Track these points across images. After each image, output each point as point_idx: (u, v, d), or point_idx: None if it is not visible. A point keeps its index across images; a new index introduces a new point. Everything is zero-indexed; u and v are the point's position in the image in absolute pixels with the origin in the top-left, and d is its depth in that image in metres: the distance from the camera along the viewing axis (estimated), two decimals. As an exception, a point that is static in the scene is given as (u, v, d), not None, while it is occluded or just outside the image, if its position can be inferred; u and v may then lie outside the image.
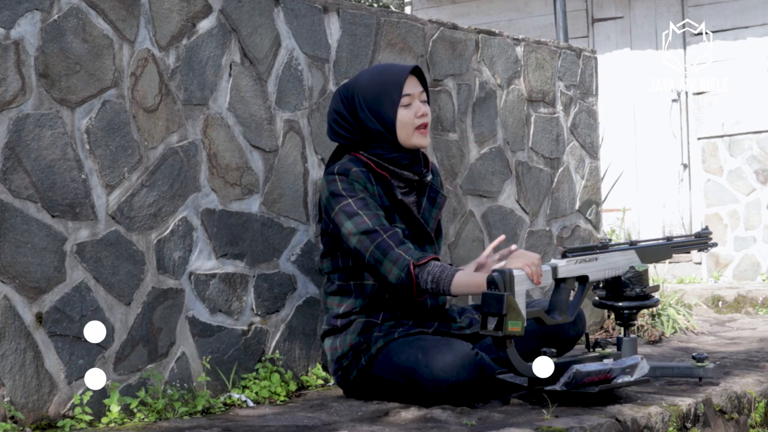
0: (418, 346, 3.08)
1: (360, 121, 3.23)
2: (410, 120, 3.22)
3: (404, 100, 3.21)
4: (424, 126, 3.25)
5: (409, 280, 3.07)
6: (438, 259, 3.13)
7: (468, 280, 3.08)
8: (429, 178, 3.32)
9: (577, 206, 4.95)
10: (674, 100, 8.33)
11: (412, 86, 3.24)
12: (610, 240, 5.16)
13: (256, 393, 3.32)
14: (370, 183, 3.19)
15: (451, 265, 3.19)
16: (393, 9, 4.84)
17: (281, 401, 3.32)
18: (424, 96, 3.28)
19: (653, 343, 4.69)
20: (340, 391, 3.36)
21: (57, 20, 2.89)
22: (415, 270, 3.07)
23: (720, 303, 6.37)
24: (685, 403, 3.10)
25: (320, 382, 3.58)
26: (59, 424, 2.82)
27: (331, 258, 3.25)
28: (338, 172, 3.18)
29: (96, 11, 2.99)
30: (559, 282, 3.15)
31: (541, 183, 4.72)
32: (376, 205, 3.16)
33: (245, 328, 3.41)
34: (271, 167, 3.51)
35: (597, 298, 3.36)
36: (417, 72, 3.27)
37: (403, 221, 3.25)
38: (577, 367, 2.95)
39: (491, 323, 2.90)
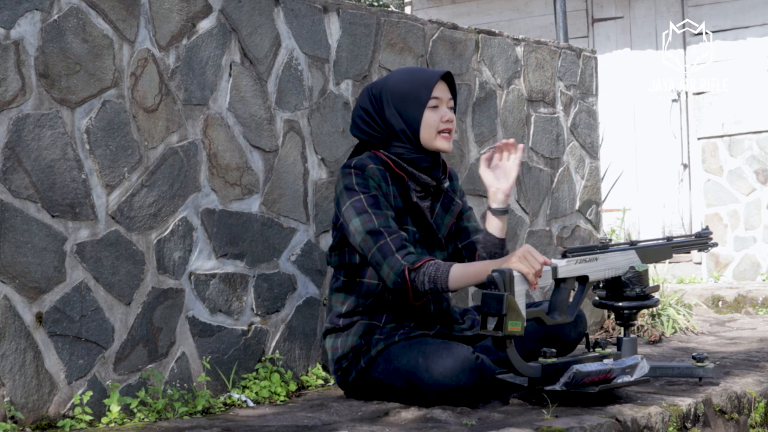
0: (419, 349, 3.07)
1: (385, 118, 3.21)
2: (435, 123, 3.20)
3: (432, 102, 3.20)
4: (448, 131, 3.23)
5: (405, 285, 3.07)
6: (434, 260, 3.10)
7: (464, 271, 3.06)
8: (446, 184, 3.31)
9: (577, 206, 4.95)
10: (674, 100, 8.33)
11: (441, 91, 3.23)
12: (610, 240, 5.15)
13: (256, 393, 3.32)
14: (385, 182, 3.17)
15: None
16: (393, 9, 4.84)
17: (281, 401, 3.31)
18: (452, 103, 3.27)
19: (653, 343, 4.69)
20: (340, 391, 3.36)
21: (57, 20, 2.89)
22: (411, 275, 3.06)
23: (720, 303, 6.37)
24: (685, 403, 3.10)
25: (320, 382, 3.58)
26: (59, 424, 2.82)
27: (339, 253, 3.23)
28: (354, 166, 3.16)
29: (96, 11, 2.99)
30: (559, 282, 3.15)
31: (541, 183, 4.72)
32: (387, 205, 3.15)
33: (245, 328, 3.41)
34: (271, 167, 3.51)
35: (597, 298, 3.36)
36: (448, 79, 3.27)
37: (415, 224, 3.23)
38: (577, 367, 2.94)
39: (491, 323, 2.90)
